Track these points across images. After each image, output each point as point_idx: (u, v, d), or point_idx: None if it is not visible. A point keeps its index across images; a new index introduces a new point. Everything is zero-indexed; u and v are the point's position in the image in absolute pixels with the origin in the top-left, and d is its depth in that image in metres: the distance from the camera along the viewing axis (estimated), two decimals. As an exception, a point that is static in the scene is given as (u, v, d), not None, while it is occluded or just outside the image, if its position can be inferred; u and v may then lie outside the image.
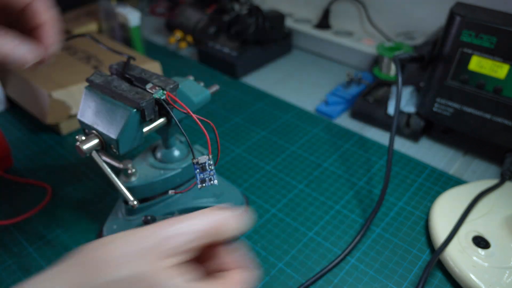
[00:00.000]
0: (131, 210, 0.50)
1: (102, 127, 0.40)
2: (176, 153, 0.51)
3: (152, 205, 0.51)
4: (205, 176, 0.38)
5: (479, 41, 0.55)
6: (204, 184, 0.38)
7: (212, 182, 0.38)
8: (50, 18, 0.38)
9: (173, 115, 0.39)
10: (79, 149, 0.40)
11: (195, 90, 0.47)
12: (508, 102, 0.56)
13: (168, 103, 0.39)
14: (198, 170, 0.38)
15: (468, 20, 0.55)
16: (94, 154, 0.42)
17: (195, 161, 0.37)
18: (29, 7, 0.37)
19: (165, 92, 0.39)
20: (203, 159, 0.37)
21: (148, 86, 0.40)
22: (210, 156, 0.38)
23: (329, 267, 0.47)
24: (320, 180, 0.60)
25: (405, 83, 0.70)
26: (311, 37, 0.91)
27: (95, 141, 0.41)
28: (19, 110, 0.73)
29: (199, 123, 0.37)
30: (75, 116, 0.67)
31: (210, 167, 0.38)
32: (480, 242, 0.48)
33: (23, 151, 0.65)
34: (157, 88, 0.40)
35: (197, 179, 0.38)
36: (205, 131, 0.37)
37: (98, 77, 0.42)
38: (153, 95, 0.39)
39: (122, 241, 0.25)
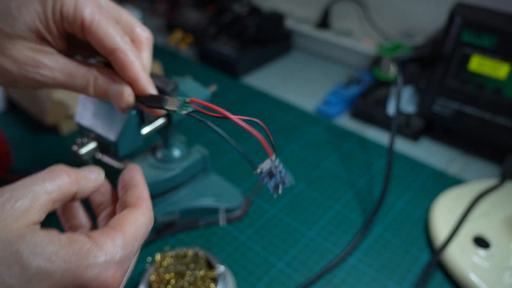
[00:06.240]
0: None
1: (101, 129, 0.40)
2: (176, 153, 0.51)
3: (152, 206, 0.51)
4: (277, 181, 0.31)
5: (479, 41, 0.55)
6: (280, 191, 0.31)
7: (289, 182, 0.31)
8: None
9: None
10: (76, 153, 0.39)
11: (195, 91, 0.47)
12: (508, 102, 0.56)
13: (199, 113, 0.31)
14: (266, 179, 0.31)
15: (468, 20, 0.55)
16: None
17: (258, 171, 0.30)
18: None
19: (187, 100, 0.31)
20: (266, 164, 0.31)
21: (166, 101, 0.31)
22: (273, 157, 0.31)
23: (329, 267, 0.47)
24: (320, 180, 0.60)
25: (405, 83, 0.70)
26: (311, 37, 0.91)
27: (93, 145, 0.40)
28: (19, 110, 0.73)
29: (244, 125, 0.31)
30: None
31: (278, 168, 0.31)
32: (480, 242, 0.48)
33: (23, 151, 0.65)
34: (177, 100, 0.31)
35: (270, 190, 0.31)
36: (254, 132, 0.30)
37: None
38: (177, 112, 0.31)
39: None
